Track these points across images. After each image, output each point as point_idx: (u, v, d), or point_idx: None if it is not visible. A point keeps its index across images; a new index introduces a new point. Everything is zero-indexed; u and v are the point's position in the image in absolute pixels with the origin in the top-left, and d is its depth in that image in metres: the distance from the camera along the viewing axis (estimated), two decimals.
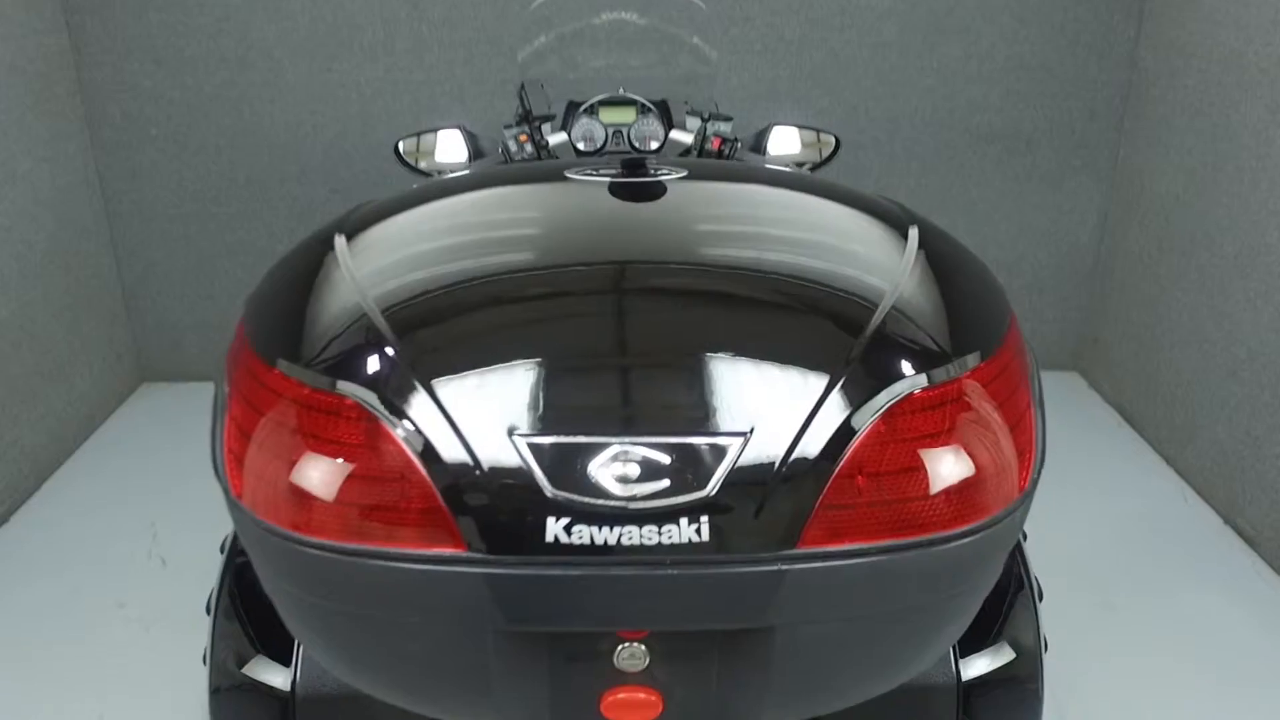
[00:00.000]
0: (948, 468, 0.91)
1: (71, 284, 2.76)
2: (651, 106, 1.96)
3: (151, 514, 2.44)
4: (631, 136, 1.94)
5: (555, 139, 1.71)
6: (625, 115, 1.95)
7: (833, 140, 1.96)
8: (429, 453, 0.86)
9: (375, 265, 1.07)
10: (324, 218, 2.91)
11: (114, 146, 2.86)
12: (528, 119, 1.79)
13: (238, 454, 0.96)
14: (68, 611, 2.09)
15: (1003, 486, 0.94)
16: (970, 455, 0.92)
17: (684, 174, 1.26)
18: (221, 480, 0.97)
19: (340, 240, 1.13)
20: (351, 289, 1.01)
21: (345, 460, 0.88)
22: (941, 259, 1.13)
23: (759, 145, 1.96)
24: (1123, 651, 1.97)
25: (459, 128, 1.94)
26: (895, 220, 1.19)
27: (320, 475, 0.88)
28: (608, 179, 1.23)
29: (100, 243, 2.91)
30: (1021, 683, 1.17)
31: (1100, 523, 2.42)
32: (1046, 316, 3.17)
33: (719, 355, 0.90)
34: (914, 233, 1.15)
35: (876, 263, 1.08)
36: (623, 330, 0.96)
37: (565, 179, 1.25)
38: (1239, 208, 2.35)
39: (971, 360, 0.96)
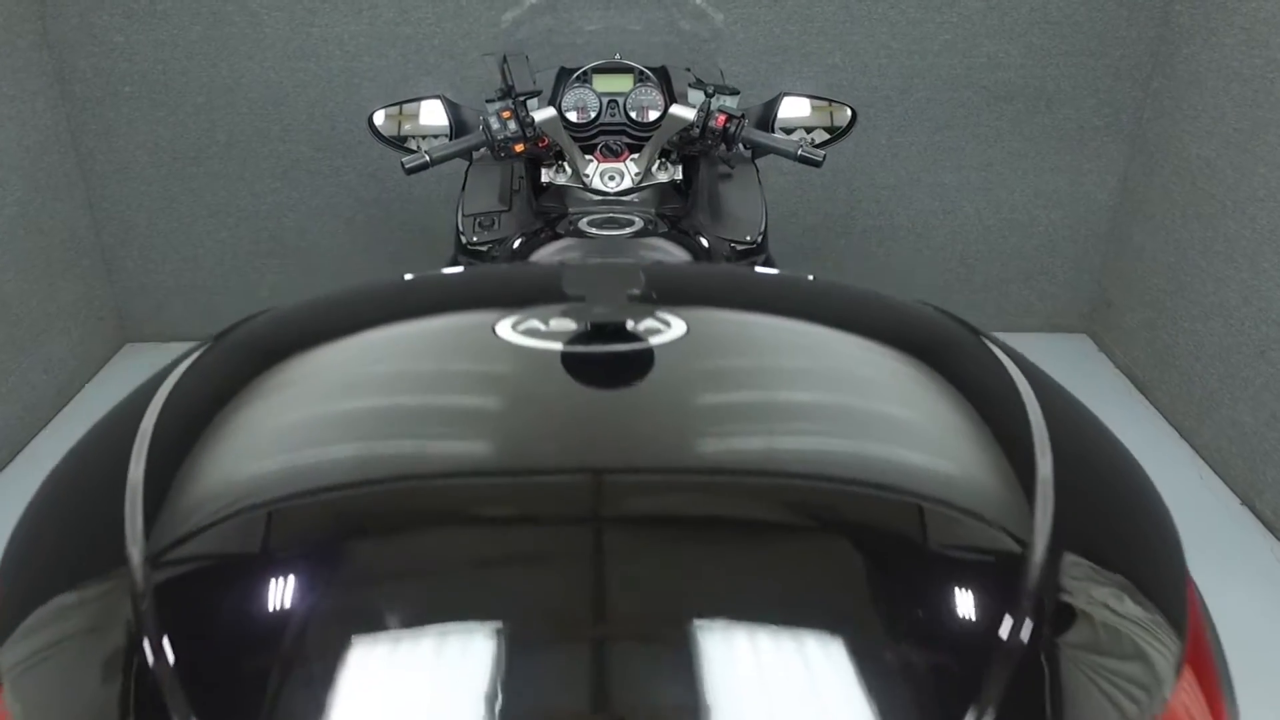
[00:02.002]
0: None
1: (46, 249, 2.64)
2: (650, 74, 1.82)
3: None
4: (627, 107, 1.81)
5: (541, 115, 1.58)
6: (621, 84, 1.82)
7: (848, 112, 1.83)
8: None
9: (181, 475, 0.64)
10: (308, 177, 2.84)
11: (86, 103, 2.72)
12: (510, 94, 1.66)
13: None
14: None
15: None
16: None
17: (683, 331, 0.75)
18: None
19: (158, 402, 0.71)
20: (125, 517, 0.60)
21: None
22: (1083, 452, 0.68)
23: (767, 119, 1.83)
24: None
25: (440, 98, 1.81)
26: (996, 379, 0.73)
27: None
28: (559, 345, 0.73)
29: (76, 204, 2.79)
30: None
31: None
32: (1058, 277, 3.06)
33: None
34: (1030, 398, 0.70)
35: (990, 493, 0.62)
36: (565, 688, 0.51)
37: (496, 338, 0.74)
38: (1277, 179, 2.22)
39: (1166, 662, 0.56)
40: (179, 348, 2.93)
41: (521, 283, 0.90)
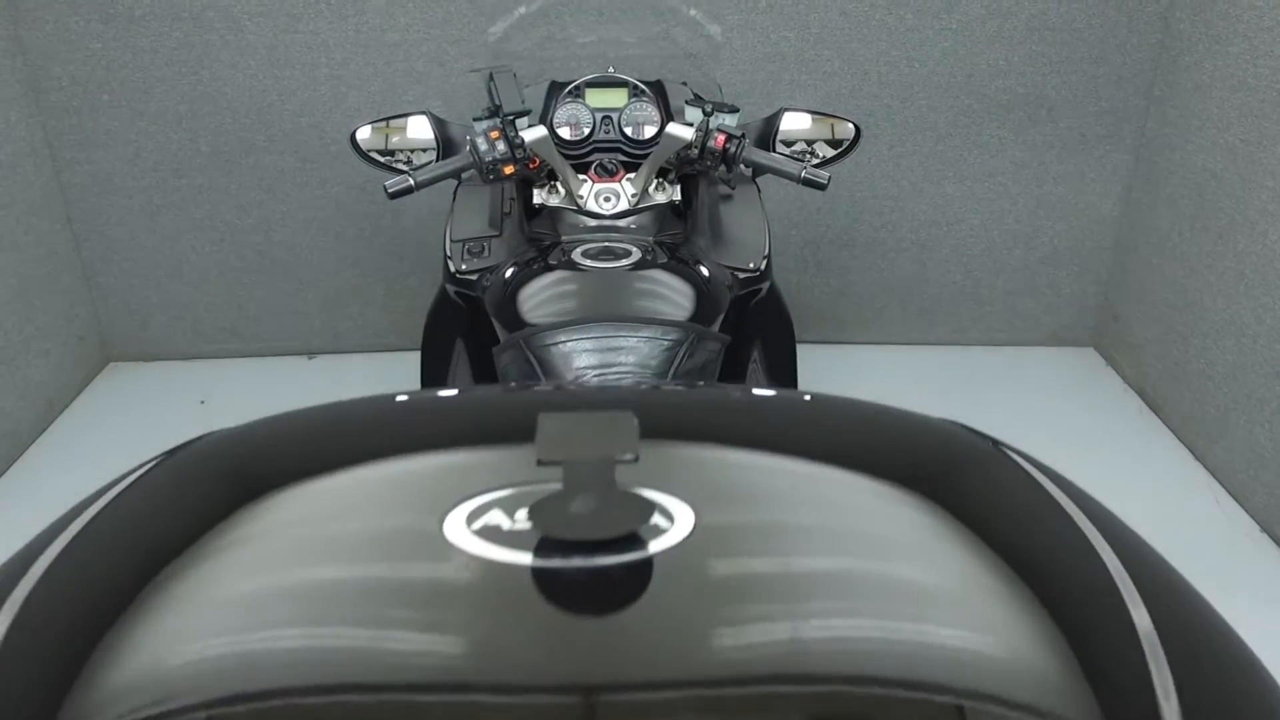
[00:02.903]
0: None
1: (21, 266, 2.55)
2: (645, 89, 1.76)
3: None
4: (622, 123, 1.74)
5: (531, 135, 1.51)
6: (615, 99, 1.75)
7: (851, 128, 1.76)
8: None
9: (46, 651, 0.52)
10: (295, 189, 2.77)
11: (63, 113, 2.63)
12: (498, 113, 1.59)
13: None
14: None
15: None
16: None
17: (689, 525, 0.58)
18: None
19: (51, 554, 0.59)
20: None
21: None
22: (1176, 607, 0.59)
23: (768, 135, 1.76)
24: None
25: (426, 114, 1.74)
26: (1056, 520, 0.64)
27: None
28: (529, 557, 0.55)
29: (55, 219, 2.70)
30: None
31: (1124, 517, 2.28)
32: (1063, 290, 3.00)
33: None
34: (1102, 544, 0.62)
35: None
36: None
37: (444, 542, 0.56)
38: None
39: None
40: (164, 367, 2.89)
41: (481, 439, 0.71)
